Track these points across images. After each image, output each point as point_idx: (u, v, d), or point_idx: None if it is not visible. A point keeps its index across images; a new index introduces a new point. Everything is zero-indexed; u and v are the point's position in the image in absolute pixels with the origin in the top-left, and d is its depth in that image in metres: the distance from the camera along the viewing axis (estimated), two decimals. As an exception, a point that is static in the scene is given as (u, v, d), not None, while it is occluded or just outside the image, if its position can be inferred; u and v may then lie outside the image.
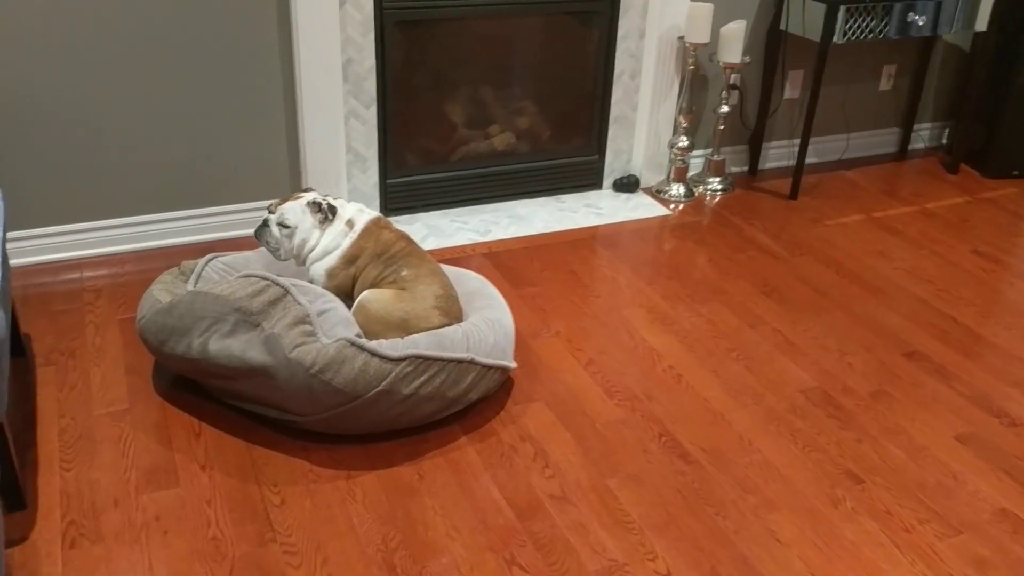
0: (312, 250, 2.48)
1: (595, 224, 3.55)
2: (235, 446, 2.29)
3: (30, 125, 2.90)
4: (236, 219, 3.28)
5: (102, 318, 2.79)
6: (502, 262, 3.23)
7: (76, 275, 3.03)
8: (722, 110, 3.77)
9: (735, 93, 3.87)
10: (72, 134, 2.96)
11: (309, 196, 2.50)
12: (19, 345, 2.58)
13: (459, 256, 3.26)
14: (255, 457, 2.25)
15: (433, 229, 3.44)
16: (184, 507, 2.09)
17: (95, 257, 3.13)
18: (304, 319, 2.21)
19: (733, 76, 3.74)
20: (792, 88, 4.01)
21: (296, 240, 2.47)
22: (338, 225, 2.49)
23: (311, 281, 2.52)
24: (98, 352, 2.63)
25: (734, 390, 2.60)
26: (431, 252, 3.27)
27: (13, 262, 3.04)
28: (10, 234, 3.01)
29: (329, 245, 2.48)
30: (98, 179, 3.05)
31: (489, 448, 2.32)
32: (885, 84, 4.21)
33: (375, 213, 2.56)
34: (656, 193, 3.84)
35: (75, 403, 2.41)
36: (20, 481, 2.04)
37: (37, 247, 3.06)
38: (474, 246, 3.34)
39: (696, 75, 3.73)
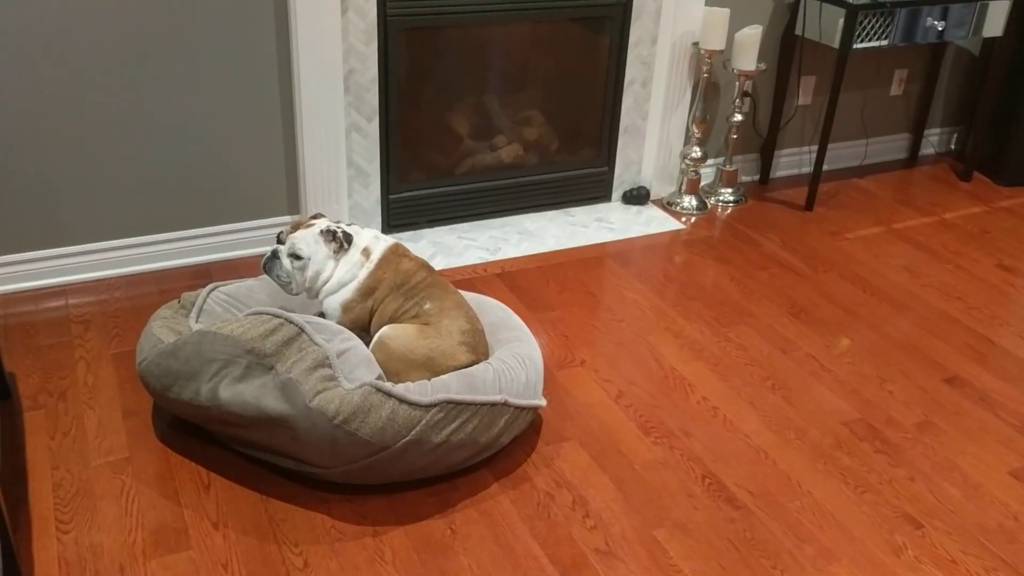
0: (326, 282, 2.30)
1: (608, 240, 3.40)
2: (249, 499, 2.10)
3: (7, 142, 2.68)
4: (231, 239, 3.08)
5: (93, 353, 2.58)
6: (517, 284, 3.06)
7: (61, 303, 2.82)
8: (735, 119, 3.63)
9: (747, 101, 3.73)
10: (55, 152, 2.74)
11: (321, 224, 2.32)
12: (3, 386, 2.36)
13: (470, 276, 3.08)
14: (271, 512, 2.07)
15: (440, 247, 3.26)
16: (198, 573, 1.90)
17: (81, 283, 2.92)
18: (324, 362, 2.03)
19: (747, 83, 3.60)
20: (804, 94, 3.88)
21: (309, 272, 2.28)
22: (354, 255, 2.31)
23: (323, 315, 2.34)
24: (91, 392, 2.42)
25: (774, 424, 2.46)
26: (440, 272, 3.08)
27: (-8, 290, 2.82)
28: (-12, 260, 2.79)
29: (344, 277, 2.29)
30: (83, 200, 2.84)
31: (524, 496, 2.16)
32: (896, 89, 4.09)
33: (391, 240, 2.38)
34: (667, 205, 3.69)
35: (69, 452, 2.21)
36: (14, 549, 1.84)
37: (17, 273, 2.83)
38: (485, 265, 3.17)
39: (709, 83, 3.58)
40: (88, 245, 2.90)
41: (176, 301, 2.41)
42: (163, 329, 2.25)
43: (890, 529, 2.12)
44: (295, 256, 2.28)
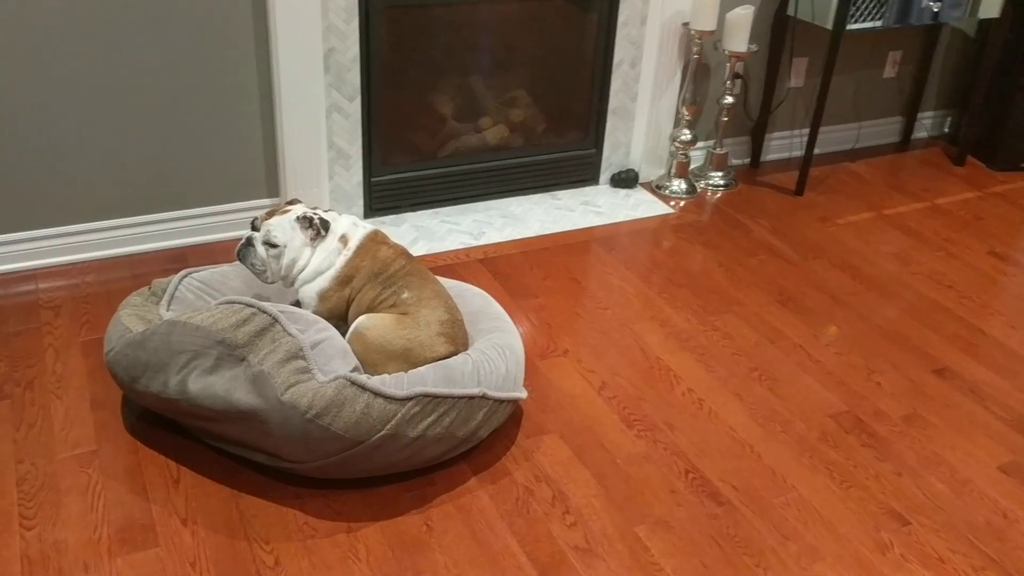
0: (302, 270, 2.23)
1: (594, 224, 3.33)
2: (219, 494, 2.04)
3: (-24, 123, 2.60)
4: (207, 223, 3.00)
5: (62, 340, 2.51)
6: (500, 270, 3.00)
7: (31, 287, 2.74)
8: (726, 101, 3.55)
9: (739, 83, 3.66)
10: (24, 132, 2.66)
11: (298, 210, 2.24)
12: (-31, 375, 2.30)
13: (452, 262, 3.02)
14: (243, 508, 2.01)
15: (422, 231, 3.19)
16: (165, 571, 1.84)
17: (52, 267, 2.84)
18: (297, 353, 1.96)
19: (738, 65, 3.52)
20: (796, 77, 3.80)
21: (285, 260, 2.21)
22: (331, 242, 2.23)
23: (299, 304, 2.27)
24: (59, 382, 2.35)
25: (760, 416, 2.41)
26: (422, 258, 3.02)
27: (-40, 274, 2.75)
28: (-44, 244, 2.71)
29: (321, 265, 2.23)
30: (55, 181, 2.75)
31: (502, 491, 2.10)
32: (890, 71, 4.02)
33: (370, 227, 2.31)
34: (656, 189, 3.62)
35: (35, 445, 2.15)
36: (-26, 547, 1.78)
37: (-14, 257, 2.76)
38: (468, 251, 3.10)
39: (699, 64, 3.50)
40: (59, 228, 2.82)
41: (147, 288, 2.34)
42: (132, 318, 2.18)
43: (876, 526, 2.08)
44: (270, 244, 2.21)
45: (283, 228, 2.21)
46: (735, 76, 3.54)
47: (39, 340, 2.51)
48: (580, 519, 2.04)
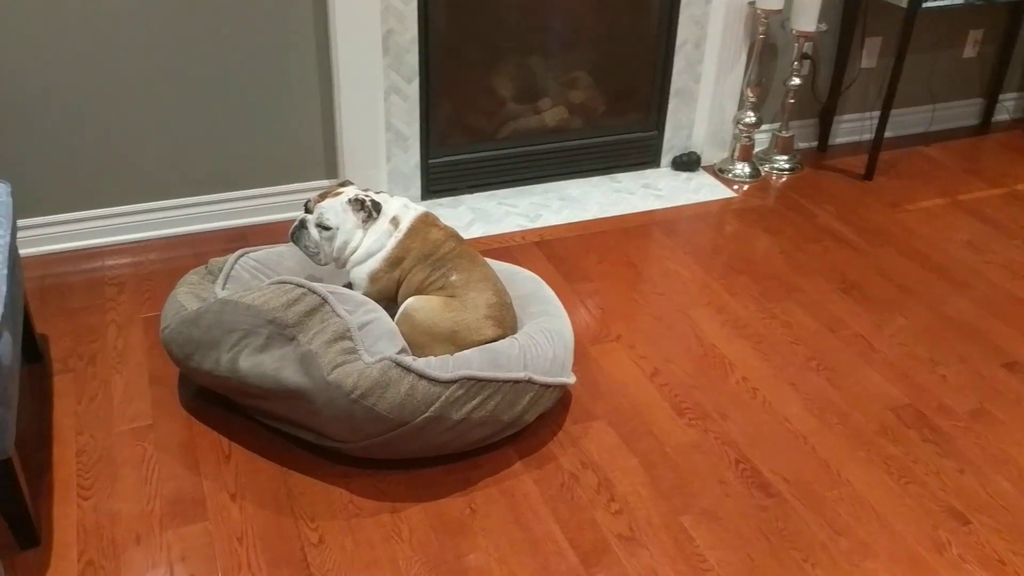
0: (354, 252, 2.24)
1: (654, 208, 3.28)
2: (268, 471, 2.08)
3: (46, 106, 2.67)
4: (267, 203, 3.05)
5: (124, 316, 2.58)
6: (555, 253, 2.97)
7: (97, 264, 2.82)
8: (793, 82, 3.45)
9: (807, 63, 3.55)
10: (91, 115, 2.73)
11: (349, 192, 2.25)
12: (34, 349, 2.37)
13: (507, 245, 3.00)
14: (290, 485, 2.04)
15: (479, 213, 3.18)
16: (212, 545, 1.88)
17: (117, 245, 2.92)
18: (344, 334, 1.98)
19: (806, 45, 3.41)
20: (869, 57, 3.67)
21: (337, 242, 2.23)
22: (382, 224, 2.24)
23: (350, 285, 2.29)
24: (120, 357, 2.42)
25: (816, 407, 2.34)
26: (477, 240, 3.02)
27: (31, 250, 2.83)
28: (28, 221, 2.80)
29: (372, 246, 2.24)
30: (120, 162, 2.82)
31: (547, 476, 2.09)
32: (970, 51, 3.85)
33: (421, 208, 2.31)
34: (719, 172, 3.54)
35: (95, 418, 2.21)
36: (33, 516, 1.84)
37: (56, 235, 2.84)
38: (523, 233, 3.08)
39: (765, 44, 3.41)
40: (125, 207, 2.89)
41: (204, 267, 2.38)
42: (188, 296, 2.23)
43: (934, 524, 2.00)
44: (323, 226, 2.22)
45: (335, 210, 2.22)
46: (803, 56, 3.43)
47: (102, 316, 2.58)
48: (625, 507, 2.02)
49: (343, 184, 2.31)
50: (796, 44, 3.40)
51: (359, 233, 2.24)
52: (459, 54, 3.11)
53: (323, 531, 1.93)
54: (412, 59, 2.99)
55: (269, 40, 2.81)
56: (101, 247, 2.90)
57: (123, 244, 2.92)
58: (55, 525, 1.92)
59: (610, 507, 2.02)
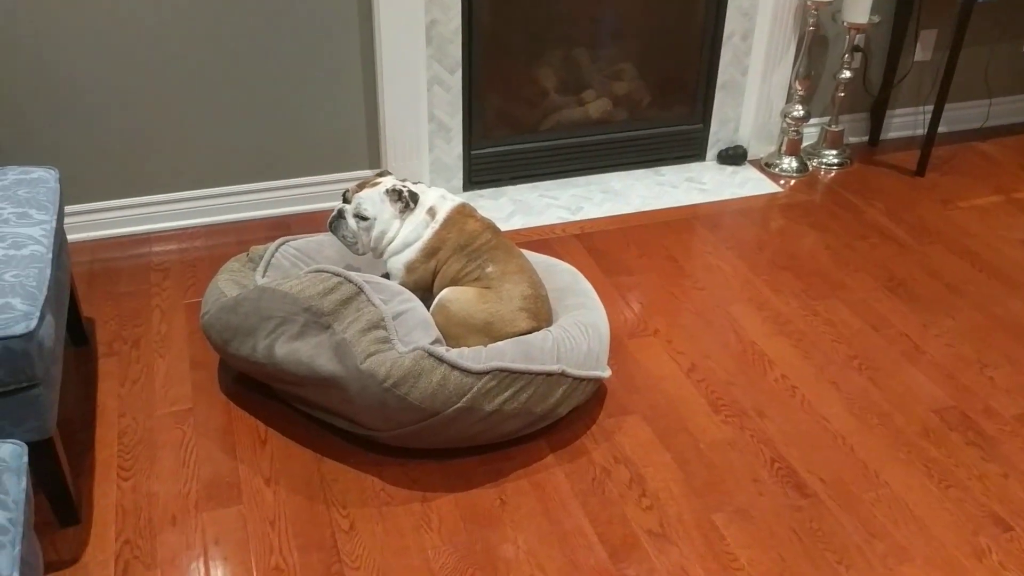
0: (391, 242, 2.26)
1: (697, 202, 3.24)
2: (303, 457, 2.10)
3: (96, 96, 2.73)
4: (310, 192, 3.08)
5: (168, 302, 2.63)
6: (594, 245, 2.96)
7: (144, 250, 2.88)
8: (843, 75, 3.38)
9: (858, 56, 3.47)
10: (139, 105, 2.78)
11: (387, 182, 2.27)
12: (81, 332, 2.43)
13: (547, 237, 3.00)
14: (324, 471, 2.06)
15: (520, 205, 3.18)
16: (246, 528, 1.91)
17: (164, 231, 2.97)
18: (378, 323, 1.99)
19: (858, 37, 3.34)
20: (923, 50, 3.58)
21: (374, 232, 2.24)
22: (419, 214, 2.25)
23: (387, 275, 2.30)
24: (163, 341, 2.47)
25: (857, 407, 2.30)
26: (517, 232, 3.01)
27: (80, 236, 2.90)
28: (77, 207, 2.87)
29: (409, 236, 2.24)
30: (167, 151, 2.87)
31: (579, 470, 2.08)
32: (1030, 44, 3.74)
33: (458, 199, 2.31)
34: (765, 166, 3.49)
35: (137, 400, 2.26)
36: (74, 495, 1.89)
37: (104, 220, 2.91)
38: (564, 225, 3.07)
39: (815, 36, 3.34)
40: (172, 194, 2.94)
41: (245, 254, 2.41)
42: (228, 283, 2.26)
43: (974, 529, 1.95)
44: (360, 216, 2.24)
45: (373, 201, 2.23)
46: (854, 49, 3.36)
47: (148, 301, 2.63)
48: (656, 503, 2.00)
49: (381, 174, 2.33)
50: (847, 36, 3.33)
51: (396, 223, 2.25)
52: (503, 45, 3.11)
53: (354, 518, 1.95)
54: (455, 50, 2.99)
55: (314, 30, 2.84)
56: (148, 233, 2.96)
57: (169, 231, 2.98)
58: (95, 504, 1.97)
59: (641, 503, 2.00)
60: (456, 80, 3.04)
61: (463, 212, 2.29)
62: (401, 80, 2.95)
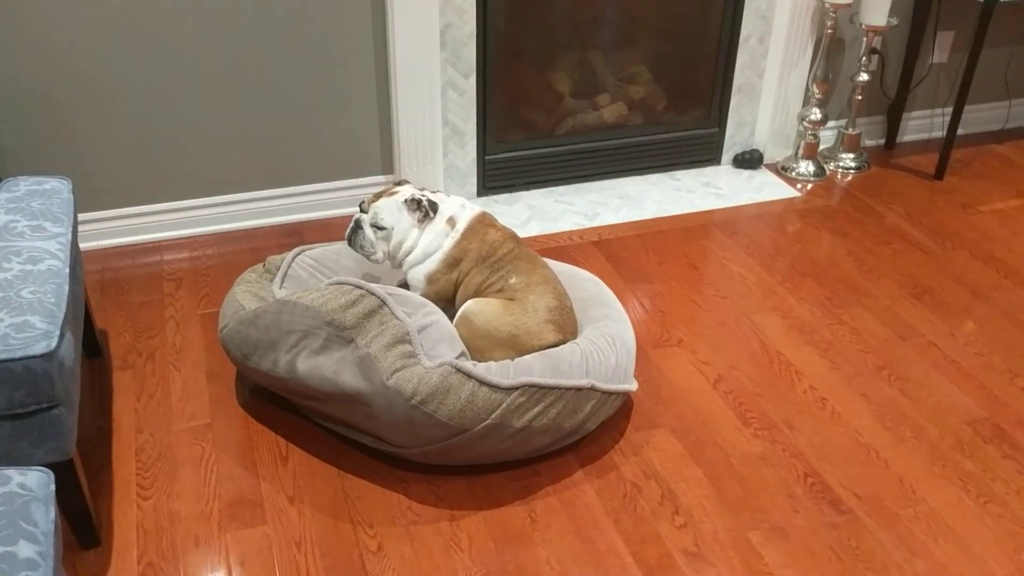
0: (409, 252, 2.20)
1: (714, 207, 3.20)
2: (326, 474, 2.05)
3: (106, 102, 2.67)
4: (323, 199, 3.03)
5: (183, 312, 2.57)
6: (613, 252, 2.91)
7: (156, 258, 2.82)
8: (860, 78, 3.34)
9: (875, 59, 3.43)
10: (149, 111, 2.72)
11: (405, 192, 2.21)
12: (94, 344, 2.37)
13: (565, 244, 2.95)
14: (348, 489, 2.01)
15: (536, 211, 3.13)
16: (271, 549, 1.86)
17: (176, 239, 2.92)
18: (403, 338, 1.94)
19: (875, 40, 3.30)
20: (940, 52, 3.54)
21: (392, 242, 2.19)
22: (438, 224, 2.20)
23: (406, 285, 2.25)
24: (178, 354, 2.41)
25: (889, 419, 2.25)
26: (533, 238, 2.96)
27: (90, 244, 2.84)
28: (87, 215, 2.81)
29: (429, 247, 2.19)
30: (178, 158, 2.82)
31: (609, 487, 2.04)
32: (1046, 46, 3.70)
33: (478, 208, 2.26)
34: (781, 170, 3.45)
35: (154, 415, 2.21)
36: (94, 516, 1.84)
37: (115, 229, 2.85)
38: (581, 232, 3.02)
39: (832, 39, 3.30)
40: (183, 202, 2.89)
41: (261, 265, 2.36)
42: (246, 295, 2.21)
43: (1016, 546, 1.91)
44: (378, 226, 2.19)
45: (390, 210, 2.18)
46: (871, 51, 3.32)
47: (161, 311, 2.58)
48: (690, 520, 1.96)
49: (399, 183, 2.28)
50: (865, 39, 3.29)
51: (415, 233, 2.20)
52: (517, 49, 3.06)
53: (381, 538, 1.90)
54: (470, 54, 2.94)
55: (326, 35, 2.78)
56: (159, 241, 2.91)
57: (181, 239, 2.92)
58: (115, 525, 1.91)
59: (674, 520, 1.96)
60: (470, 85, 2.99)
61: (484, 221, 2.24)
62: (415, 85, 2.90)
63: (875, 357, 2.47)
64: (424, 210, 2.18)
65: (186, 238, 2.93)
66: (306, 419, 2.19)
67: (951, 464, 2.12)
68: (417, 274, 2.21)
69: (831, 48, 3.33)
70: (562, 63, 3.17)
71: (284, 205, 2.99)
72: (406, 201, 2.18)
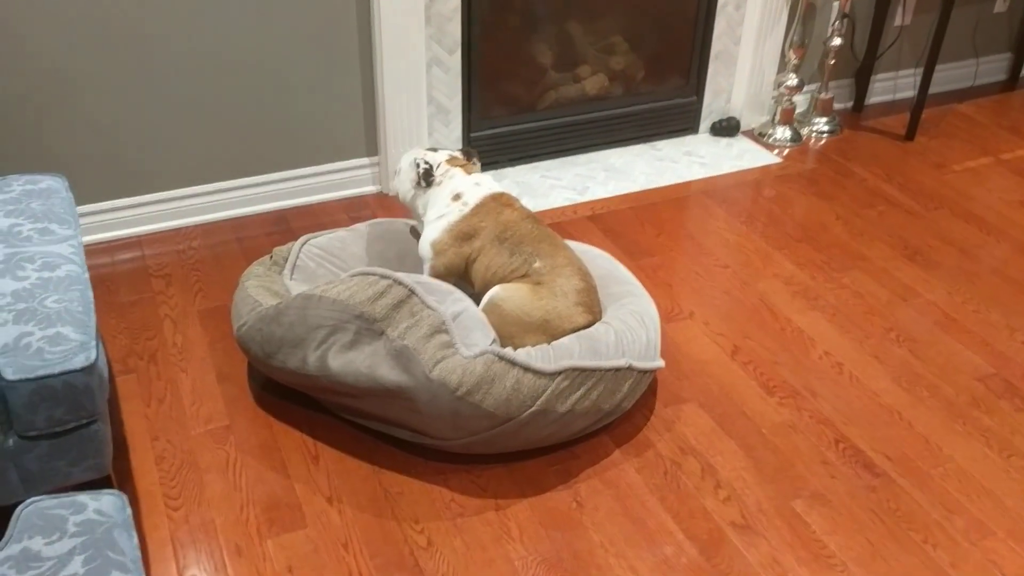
0: (424, 210, 2.23)
1: (700, 176, 3.20)
2: (360, 471, 1.99)
3: (79, 91, 2.51)
4: (308, 184, 2.92)
5: (178, 310, 2.46)
6: (610, 227, 2.89)
7: (136, 253, 2.69)
8: (834, 43, 3.37)
9: (846, 22, 3.47)
10: (124, 99, 2.58)
11: (418, 153, 2.26)
12: (92, 349, 2.25)
13: (561, 220, 2.91)
14: (386, 485, 1.96)
15: (525, 187, 3.09)
16: (318, 553, 1.80)
17: (155, 233, 2.79)
18: (440, 327, 1.89)
19: (847, 4, 3.33)
20: (904, 14, 3.60)
21: (400, 188, 2.27)
22: (441, 194, 2.18)
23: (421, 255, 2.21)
24: (182, 354, 2.31)
25: (904, 380, 2.30)
26: (528, 216, 2.92)
27: (66, 243, 2.69)
28: (61, 212, 2.65)
29: (432, 214, 2.17)
30: (156, 147, 2.68)
31: (649, 465, 2.03)
32: (1000, 6, 3.79)
33: (496, 187, 2.21)
34: (758, 136, 3.47)
35: (167, 421, 2.11)
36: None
37: (93, 224, 2.70)
38: (574, 207, 2.99)
39: (807, 4, 3.32)
40: (161, 193, 2.75)
41: (268, 257, 2.27)
42: (259, 290, 2.12)
43: (1044, 498, 1.98)
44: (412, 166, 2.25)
45: (407, 160, 2.26)
46: (843, 15, 3.35)
47: (155, 310, 2.46)
48: (733, 493, 1.97)
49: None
50: (837, 3, 3.32)
51: (412, 192, 2.24)
52: (499, 23, 2.99)
53: (430, 533, 1.86)
54: (455, 29, 2.86)
55: (308, 14, 2.67)
56: (139, 235, 2.77)
57: (162, 231, 2.79)
58: (147, 539, 1.83)
59: (718, 494, 1.96)
60: (455, 61, 2.92)
61: (500, 200, 2.19)
62: (400, 63, 2.81)
63: (881, 319, 2.52)
64: (418, 176, 2.17)
65: (168, 231, 2.79)
66: (330, 415, 2.13)
67: (970, 421, 2.18)
68: (424, 242, 2.17)
69: (806, 13, 3.34)
70: (542, 35, 3.12)
71: (268, 192, 2.88)
72: (416, 159, 2.18)
